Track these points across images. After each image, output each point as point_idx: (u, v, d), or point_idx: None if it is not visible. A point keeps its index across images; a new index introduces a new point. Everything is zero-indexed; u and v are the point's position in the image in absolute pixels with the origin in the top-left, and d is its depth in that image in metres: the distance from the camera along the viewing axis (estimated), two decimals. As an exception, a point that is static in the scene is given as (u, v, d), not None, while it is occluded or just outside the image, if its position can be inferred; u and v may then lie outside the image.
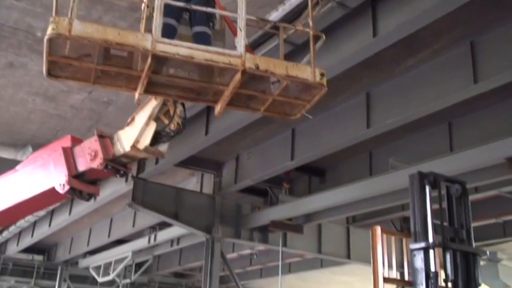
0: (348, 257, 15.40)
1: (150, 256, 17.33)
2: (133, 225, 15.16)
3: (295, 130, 10.10)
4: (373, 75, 8.06)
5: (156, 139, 5.73)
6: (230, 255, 15.84)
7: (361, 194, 10.21)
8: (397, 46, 6.57)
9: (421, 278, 5.24)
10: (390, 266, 5.66)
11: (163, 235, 15.44)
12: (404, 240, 5.91)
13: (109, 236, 16.45)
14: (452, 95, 7.16)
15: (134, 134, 5.67)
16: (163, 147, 5.89)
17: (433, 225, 5.45)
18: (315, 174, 12.36)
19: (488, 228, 12.79)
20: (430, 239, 5.36)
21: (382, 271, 5.56)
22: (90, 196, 6.56)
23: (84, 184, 6.36)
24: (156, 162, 10.93)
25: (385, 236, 5.76)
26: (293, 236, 13.77)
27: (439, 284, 5.29)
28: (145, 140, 5.64)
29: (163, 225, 14.88)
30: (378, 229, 5.70)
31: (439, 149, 9.07)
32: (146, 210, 11.58)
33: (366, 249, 15.76)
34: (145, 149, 5.68)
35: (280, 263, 13.58)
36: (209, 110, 9.33)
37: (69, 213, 14.87)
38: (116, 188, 12.41)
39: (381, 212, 13.26)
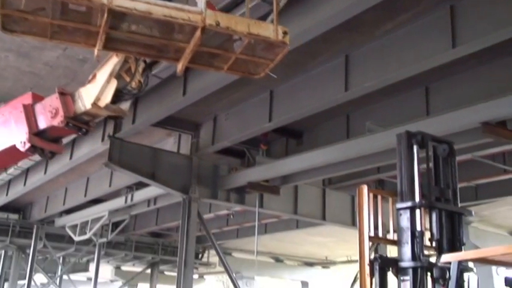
0: (323, 218, 15.62)
1: (127, 216, 17.36)
2: (110, 185, 15.11)
3: (274, 92, 10.07)
4: (352, 38, 8.01)
5: (118, 97, 5.64)
6: (207, 216, 15.95)
7: (337, 156, 10.29)
8: (377, 9, 6.51)
9: (407, 237, 5.26)
10: (376, 225, 5.63)
11: (140, 195, 15.45)
12: (390, 200, 5.85)
13: (85, 195, 16.40)
14: (430, 59, 7.17)
15: (95, 91, 5.57)
16: (125, 106, 5.82)
17: (420, 184, 5.45)
18: (292, 136, 12.39)
19: (460, 191, 13.03)
20: (417, 199, 5.37)
21: (368, 230, 5.51)
22: (52, 154, 6.46)
23: (45, 142, 6.26)
24: (133, 121, 10.83)
25: (371, 195, 5.70)
26: (269, 197, 13.89)
27: (424, 243, 5.35)
28: (106, 98, 5.54)
29: (140, 185, 14.87)
30: (365, 188, 5.66)
31: (415, 112, 9.14)
32: (123, 170, 11.53)
33: (341, 211, 16.12)
34: (107, 107, 5.59)
35: (256, 223, 13.72)
36: (187, 70, 9.22)
37: (45, 172, 14.75)
38: (92, 147, 12.31)
39: (357, 174, 13.40)
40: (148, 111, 10.37)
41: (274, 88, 10.00)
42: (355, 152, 9.91)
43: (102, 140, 11.66)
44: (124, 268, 26.10)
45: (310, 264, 27.69)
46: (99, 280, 20.99)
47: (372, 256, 5.43)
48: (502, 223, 16.76)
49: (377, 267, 5.24)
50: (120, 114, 5.93)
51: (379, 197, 5.86)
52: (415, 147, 5.66)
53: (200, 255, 23.60)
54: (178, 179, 12.46)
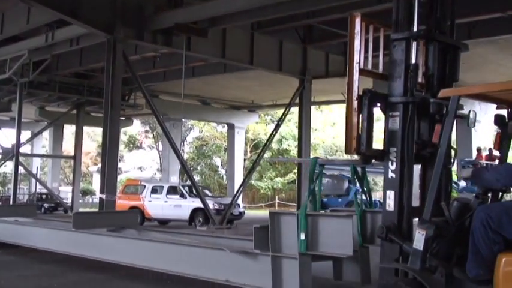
0: (251, 62, 15.71)
1: (48, 55, 16.73)
2: (28, 22, 14.30)
3: None
4: None
5: None
6: (133, 57, 15.59)
7: (267, -1, 10.11)
8: None
9: (400, 70, 4.88)
10: (366, 58, 5.14)
11: (61, 34, 14.80)
12: (381, 31, 5.32)
13: (1, 32, 15.50)
14: None
15: None
16: None
17: (419, 14, 4.93)
18: (221, -23, 11.92)
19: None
20: (414, 29, 4.91)
21: (358, 62, 5.02)
22: None
23: None
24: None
25: (363, 24, 5.09)
26: (197, 40, 13.68)
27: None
28: None
29: (61, 24, 14.16)
30: (358, 17, 5.05)
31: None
32: (40, 6, 10.93)
33: (268, 56, 16.20)
34: None
35: (183, 66, 13.62)
36: None
37: (-46, 6, 13.69)
38: (4, -21, 11.41)
39: (286, 19, 13.31)
40: None
41: None
42: (284, -5, 9.73)
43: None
44: (48, 109, 25.66)
45: (236, 107, 28.20)
46: (23, 120, 20.68)
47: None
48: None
49: (366, 102, 4.89)
50: None
51: (371, 28, 5.24)
52: None
53: (127, 97, 23.44)
54: (101, 18, 11.94)
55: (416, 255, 4.15)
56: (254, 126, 36.56)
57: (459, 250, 4.11)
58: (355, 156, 5.17)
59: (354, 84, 4.98)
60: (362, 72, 5.08)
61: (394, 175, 4.74)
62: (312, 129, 22.37)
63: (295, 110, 19.16)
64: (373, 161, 5.08)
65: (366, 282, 6.37)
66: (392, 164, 4.77)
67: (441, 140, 4.28)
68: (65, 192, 29.25)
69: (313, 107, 27.98)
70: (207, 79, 20.11)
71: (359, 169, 6.36)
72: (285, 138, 35.65)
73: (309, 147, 18.77)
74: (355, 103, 4.93)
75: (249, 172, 19.95)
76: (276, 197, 35.80)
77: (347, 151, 4.97)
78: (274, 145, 34.48)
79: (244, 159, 32.93)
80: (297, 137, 19.58)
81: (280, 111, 23.38)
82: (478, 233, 3.87)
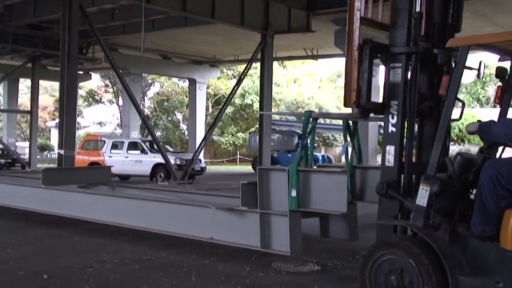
0: (212, 16, 15.43)
1: (1, 5, 16.05)
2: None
3: None
4: None
5: None
6: (90, 9, 15.09)
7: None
8: None
9: (403, 19, 4.67)
10: (366, 8, 4.89)
11: (14, -18, 14.19)
12: None
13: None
14: None
15: None
16: None
17: None
18: None
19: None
20: None
21: (359, 9, 4.76)
22: None
23: None
24: None
25: None
26: (157, -9, 13.33)
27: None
28: None
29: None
30: None
31: None
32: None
33: (230, 10, 15.91)
34: None
35: (143, 19, 13.26)
36: None
37: None
38: None
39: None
40: None
41: None
42: None
43: None
44: (2, 61, 24.77)
45: (198, 62, 27.82)
46: (-26, 74, 20.00)
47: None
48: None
49: (367, 53, 4.64)
50: None
51: None
52: None
53: (84, 51, 22.80)
54: (57, -34, 11.48)
55: (419, 212, 4.08)
56: (216, 81, 36.25)
57: (462, 206, 4.05)
58: (347, 111, 5.08)
59: (354, 33, 4.74)
60: (364, 21, 4.85)
61: (394, 129, 4.65)
62: (274, 84, 22.30)
63: (258, 65, 19.04)
64: (372, 114, 4.94)
65: (354, 239, 6.39)
66: (392, 118, 4.66)
67: (448, 92, 4.12)
68: (22, 148, 28.56)
69: (276, 63, 27.87)
70: (167, 33, 19.69)
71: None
72: (248, 93, 35.54)
73: (271, 102, 18.76)
74: (355, 53, 4.69)
75: (210, 127, 19.86)
76: (238, 152, 35.92)
77: (346, 104, 4.80)
78: (237, 100, 34.37)
79: (206, 115, 32.77)
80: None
81: (242, 67, 23.15)
82: (486, 189, 3.76)
